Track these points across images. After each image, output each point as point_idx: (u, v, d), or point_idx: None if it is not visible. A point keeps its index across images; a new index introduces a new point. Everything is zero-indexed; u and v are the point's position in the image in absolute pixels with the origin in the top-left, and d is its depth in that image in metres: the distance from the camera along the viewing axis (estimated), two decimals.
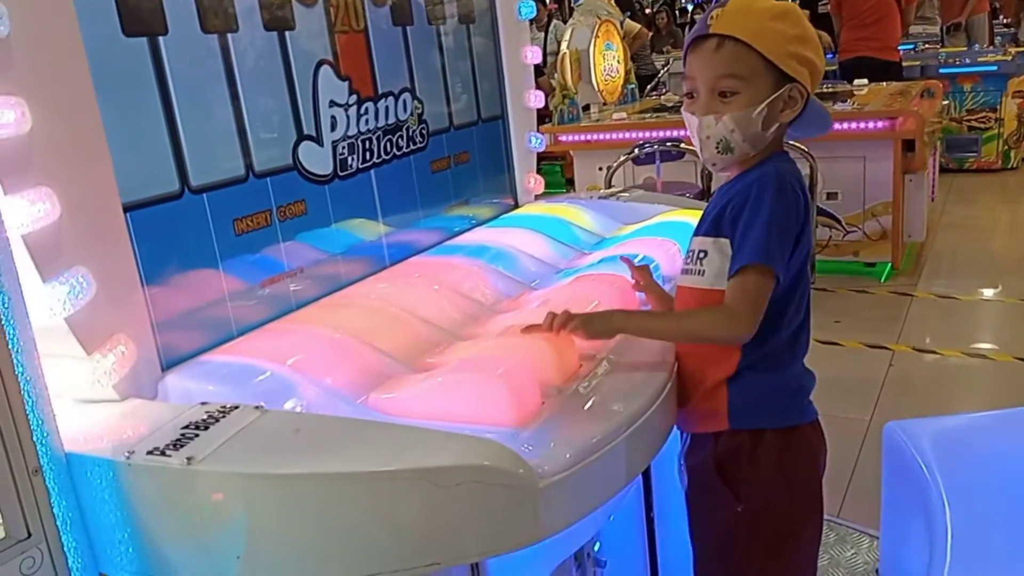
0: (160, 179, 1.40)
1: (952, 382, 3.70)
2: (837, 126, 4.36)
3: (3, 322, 1.02)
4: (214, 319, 1.49)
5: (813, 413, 1.45)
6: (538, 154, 2.54)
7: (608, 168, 4.47)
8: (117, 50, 1.33)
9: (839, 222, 4.80)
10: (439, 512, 1.05)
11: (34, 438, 1.06)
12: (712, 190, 4.30)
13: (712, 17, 1.35)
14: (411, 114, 1.98)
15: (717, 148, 1.37)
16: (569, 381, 1.34)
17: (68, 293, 1.18)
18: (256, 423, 1.16)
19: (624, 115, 5.47)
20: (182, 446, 1.11)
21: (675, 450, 1.47)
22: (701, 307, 1.37)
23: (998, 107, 7.03)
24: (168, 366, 1.38)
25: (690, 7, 14.01)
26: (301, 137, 1.67)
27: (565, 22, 7.07)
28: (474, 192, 2.27)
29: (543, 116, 4.75)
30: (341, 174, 1.77)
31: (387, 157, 1.91)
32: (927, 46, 7.99)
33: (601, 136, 5.26)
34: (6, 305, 1.02)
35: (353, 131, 1.81)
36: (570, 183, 5.83)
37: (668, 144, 4.33)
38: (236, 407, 1.20)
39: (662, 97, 6.33)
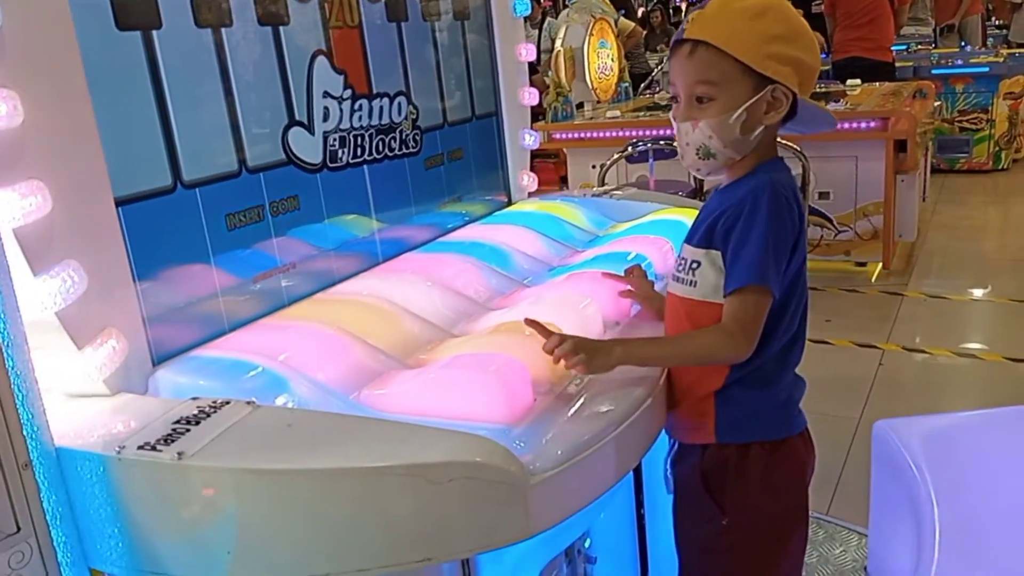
0: (152, 173, 1.40)
1: (941, 381, 3.72)
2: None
3: None
4: (206, 314, 1.49)
5: (801, 424, 1.44)
6: (532, 151, 2.54)
7: (601, 166, 4.47)
8: (110, 43, 1.32)
9: (831, 221, 4.81)
10: (431, 508, 1.05)
11: (24, 432, 1.06)
12: (705, 189, 4.31)
13: (688, 21, 1.32)
14: (405, 118, 1.98)
15: (698, 154, 1.35)
16: (561, 379, 1.34)
17: (59, 287, 1.17)
18: (248, 418, 1.16)
19: (618, 113, 5.47)
20: (173, 441, 1.11)
21: (664, 451, 1.47)
22: (699, 329, 1.34)
23: (989, 108, 7.06)
24: (159, 361, 1.38)
25: (684, 5, 14.02)
26: (292, 123, 1.67)
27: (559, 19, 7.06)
28: (467, 189, 2.27)
29: (536, 114, 4.75)
30: (331, 165, 1.77)
31: (379, 156, 1.91)
32: (920, 47, 8.02)
33: (595, 134, 5.27)
34: None
35: (346, 125, 1.80)
36: (563, 181, 5.82)
37: (661, 142, 4.33)
38: (227, 402, 1.19)
39: (656, 95, 6.34)
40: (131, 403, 1.27)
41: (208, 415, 1.16)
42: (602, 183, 4.37)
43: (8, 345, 1.03)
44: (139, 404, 1.27)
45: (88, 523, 1.14)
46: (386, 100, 1.92)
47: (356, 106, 1.83)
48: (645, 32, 9.28)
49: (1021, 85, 7.11)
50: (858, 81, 5.60)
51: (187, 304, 1.46)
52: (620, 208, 2.37)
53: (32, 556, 1.07)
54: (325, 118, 1.74)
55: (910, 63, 7.25)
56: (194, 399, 1.22)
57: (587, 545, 1.50)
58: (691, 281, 1.35)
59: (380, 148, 1.91)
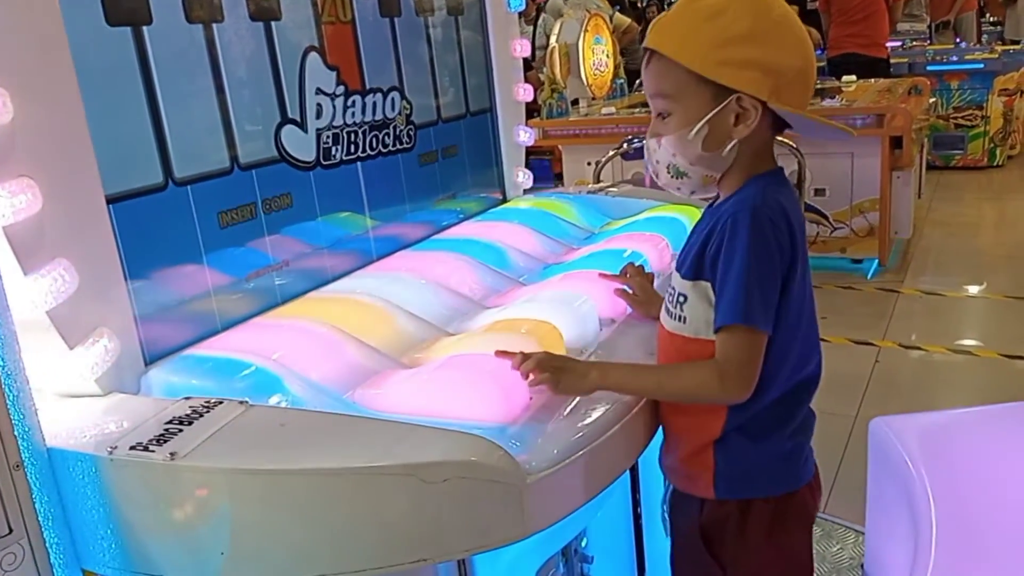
0: (144, 170, 1.38)
1: (937, 378, 3.72)
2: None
3: None
4: (198, 313, 1.48)
5: (809, 472, 1.32)
6: (527, 148, 2.53)
7: (597, 163, 4.47)
8: (100, 40, 1.31)
9: (826, 218, 4.81)
10: (426, 508, 1.05)
11: (15, 433, 1.05)
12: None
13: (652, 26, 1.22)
14: (399, 113, 1.97)
15: (669, 174, 1.24)
16: None
17: (50, 286, 1.16)
18: (241, 418, 1.15)
19: (613, 110, 5.46)
20: (165, 441, 1.10)
21: (661, 455, 1.44)
22: (687, 363, 1.23)
23: (984, 105, 7.07)
24: (151, 360, 1.37)
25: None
26: (284, 120, 1.65)
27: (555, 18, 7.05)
28: (462, 186, 2.26)
29: (531, 110, 4.74)
30: (324, 163, 1.75)
31: (372, 153, 1.90)
32: (915, 43, 8.03)
33: (590, 131, 5.26)
34: None
35: (339, 122, 1.79)
36: (558, 178, 5.82)
37: None
38: (220, 402, 1.18)
39: None
40: (123, 403, 1.26)
41: (201, 415, 1.15)
42: (597, 180, 4.36)
43: None
44: (131, 404, 1.26)
45: (81, 524, 1.13)
46: (379, 96, 1.91)
47: (349, 102, 1.81)
48: (641, 28, 9.27)
49: (1015, 82, 7.12)
50: (853, 77, 5.60)
51: (179, 303, 1.45)
52: (616, 205, 2.37)
53: (24, 558, 1.06)
54: (318, 115, 1.73)
55: (905, 59, 7.26)
56: (187, 399, 1.21)
57: (584, 544, 1.50)
58: (680, 316, 1.24)
59: (374, 144, 1.90)
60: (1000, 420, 1.87)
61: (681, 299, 1.24)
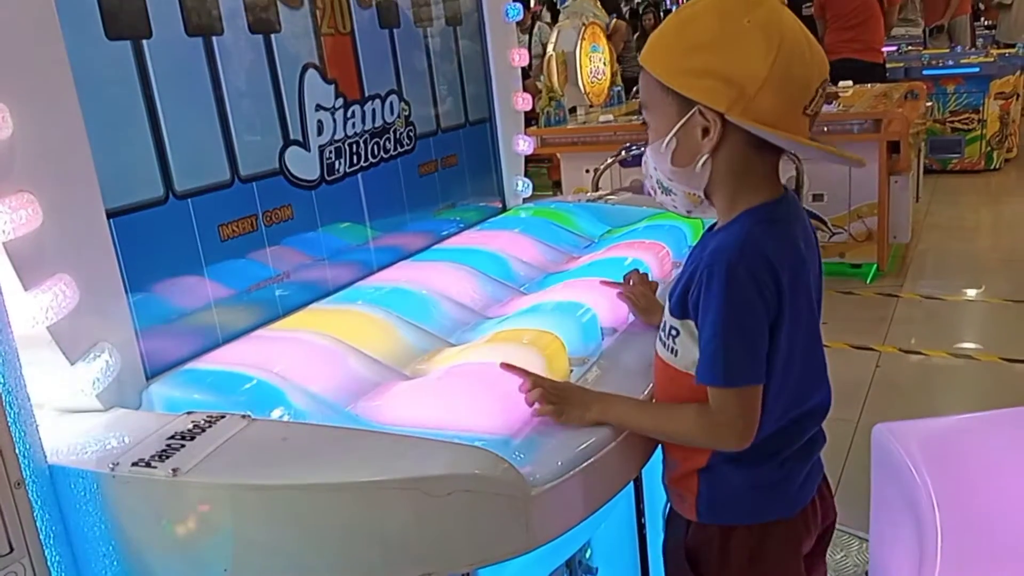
0: (144, 184, 1.38)
1: (938, 383, 3.72)
2: (823, 128, 4.38)
3: None
4: (199, 326, 1.48)
5: (802, 500, 1.26)
6: (525, 156, 2.53)
7: (595, 170, 4.47)
8: (100, 53, 1.31)
9: (825, 224, 4.82)
10: (430, 522, 1.04)
11: (16, 450, 1.04)
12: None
13: None
14: (398, 116, 1.97)
15: (659, 188, 1.21)
16: None
17: (50, 301, 1.16)
18: (243, 432, 1.14)
19: (611, 117, 5.47)
20: (168, 457, 1.09)
21: (662, 471, 1.43)
22: (690, 408, 1.17)
23: (981, 108, 7.09)
24: (153, 375, 1.36)
25: (675, 8, 14.05)
26: (288, 143, 1.66)
27: (550, 25, 7.07)
28: (462, 195, 2.26)
29: (529, 119, 4.74)
30: (328, 179, 1.76)
31: (374, 160, 1.90)
32: (910, 48, 8.05)
33: (588, 138, 5.26)
34: None
35: (340, 135, 1.79)
36: (557, 185, 5.82)
37: None
38: (222, 416, 1.18)
39: None
40: (125, 418, 1.25)
41: (203, 430, 1.15)
42: (596, 187, 4.36)
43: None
44: (133, 419, 1.25)
45: (82, 542, 1.12)
46: (378, 101, 1.91)
47: (349, 113, 1.81)
48: (637, 35, 9.29)
49: (1011, 85, 7.14)
50: (850, 83, 5.61)
51: (180, 316, 1.44)
52: (615, 213, 2.37)
53: None
54: (320, 132, 1.73)
55: (901, 64, 7.28)
56: (189, 413, 1.21)
57: (588, 556, 1.49)
58: (672, 348, 1.21)
59: (375, 152, 1.90)
60: (1003, 425, 1.86)
61: (673, 332, 1.21)
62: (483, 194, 2.38)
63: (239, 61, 1.56)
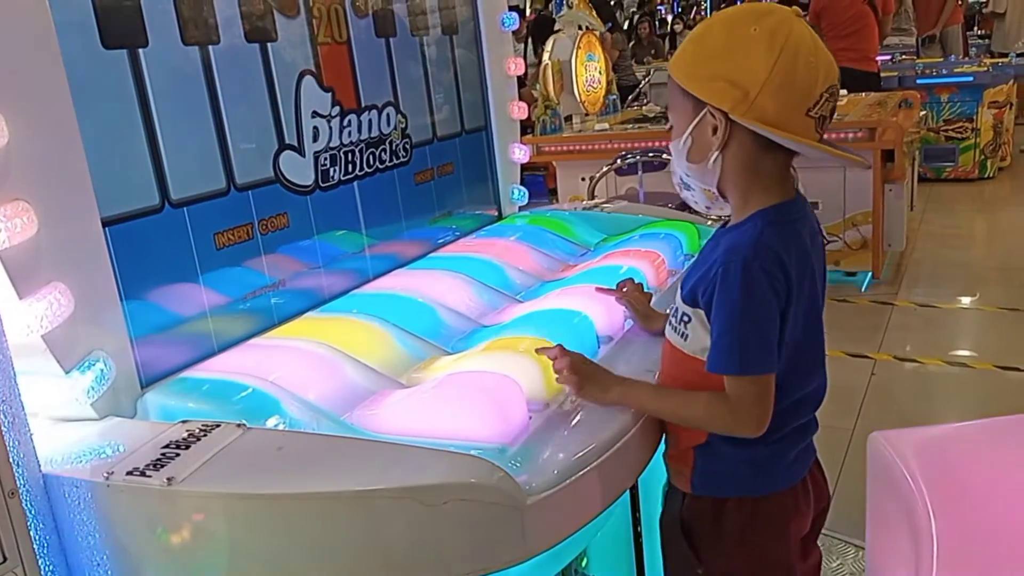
0: (140, 193, 1.38)
1: (933, 390, 3.72)
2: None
3: None
4: (195, 335, 1.47)
5: (792, 478, 1.33)
6: (521, 165, 2.54)
7: (591, 178, 4.48)
8: (96, 62, 1.31)
9: (820, 232, 4.82)
10: (426, 531, 1.04)
11: (10, 459, 1.04)
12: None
13: None
14: (394, 128, 1.97)
15: (680, 185, 1.31)
16: (556, 397, 1.33)
17: (45, 310, 1.16)
18: (238, 441, 1.14)
19: (606, 126, 5.48)
20: (162, 466, 1.09)
21: (662, 464, 1.45)
22: (706, 395, 1.24)
23: (974, 117, 7.11)
24: (148, 383, 1.36)
25: (670, 18, 14.11)
26: (282, 147, 1.66)
27: (535, 46, 7.09)
28: (458, 203, 2.26)
29: (525, 127, 4.75)
30: (323, 185, 1.76)
31: (370, 170, 1.90)
32: (904, 57, 8.09)
33: (583, 147, 5.27)
34: None
35: (335, 143, 1.79)
36: (552, 193, 5.83)
37: (650, 155, 4.34)
38: (217, 425, 1.18)
39: (643, 108, 6.35)
40: (119, 427, 1.25)
41: (198, 439, 1.15)
42: (592, 196, 4.37)
43: None
44: (127, 428, 1.25)
45: (76, 551, 1.12)
46: (375, 112, 1.91)
47: (345, 122, 1.82)
48: (632, 44, 9.33)
49: (1005, 94, 7.17)
50: (844, 91, 5.64)
51: (176, 325, 1.44)
52: (611, 221, 2.37)
53: None
54: (315, 138, 1.73)
55: (895, 73, 7.31)
56: (183, 422, 1.20)
57: (584, 564, 1.49)
58: (683, 333, 1.28)
59: (371, 162, 1.90)
60: (999, 433, 1.86)
61: (685, 319, 1.27)
62: (479, 202, 2.38)
63: (235, 70, 1.56)
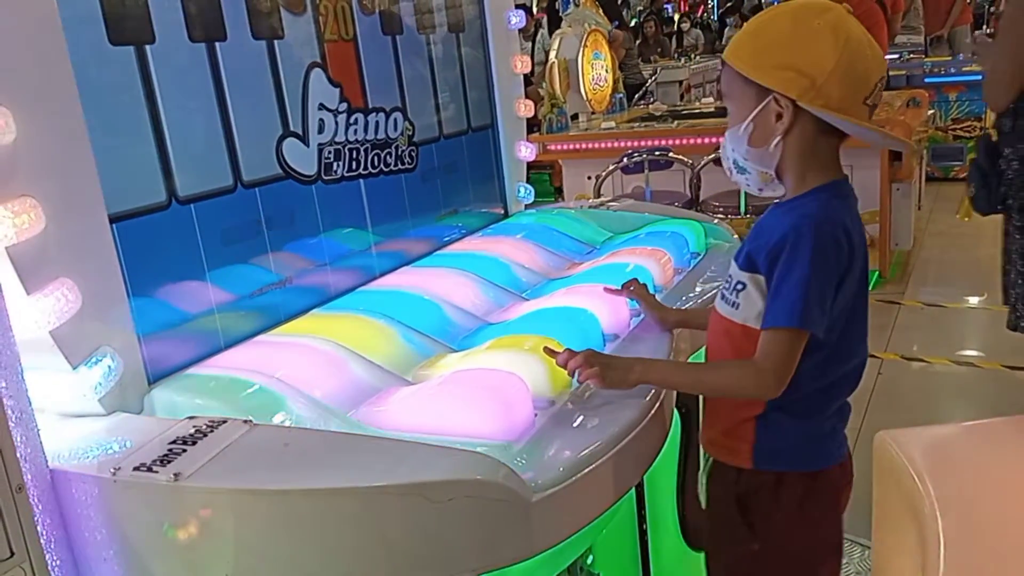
0: (147, 189, 1.39)
1: (940, 390, 3.71)
2: None
3: None
4: (202, 331, 1.48)
5: (841, 454, 1.41)
6: (527, 163, 2.54)
7: (597, 177, 4.48)
8: (103, 59, 1.31)
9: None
10: (431, 527, 1.04)
11: (17, 454, 1.04)
12: (701, 199, 4.31)
13: None
14: (401, 134, 1.97)
15: (735, 169, 1.35)
16: (562, 393, 1.33)
17: (53, 306, 1.16)
18: (245, 438, 1.14)
19: (612, 124, 5.48)
20: (169, 462, 1.09)
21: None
22: (728, 361, 1.34)
23: (983, 116, 7.08)
24: (155, 379, 1.36)
25: (676, 16, 14.09)
26: (286, 133, 1.65)
27: (550, 33, 7.09)
28: (464, 201, 2.26)
29: (531, 125, 4.75)
30: (326, 177, 1.75)
31: (374, 171, 1.90)
32: (912, 56, 8.05)
33: (590, 145, 5.27)
34: None
35: (341, 138, 1.79)
36: (559, 192, 5.82)
37: (656, 153, 4.34)
38: (224, 421, 1.18)
39: (650, 106, 6.35)
40: (126, 423, 1.25)
41: (205, 435, 1.15)
42: (598, 194, 4.37)
43: (1, 365, 1.02)
44: (135, 424, 1.25)
45: (83, 546, 1.12)
46: (382, 115, 1.91)
47: (352, 119, 1.82)
48: (639, 42, 9.31)
49: None
50: None
51: (183, 321, 1.44)
52: (617, 219, 2.37)
53: None
54: (320, 130, 1.73)
55: (903, 72, 7.26)
56: (190, 418, 1.20)
57: (590, 561, 1.49)
58: (734, 303, 1.32)
59: (376, 163, 1.90)
60: (1005, 433, 1.86)
61: (739, 286, 1.32)
62: (485, 200, 2.38)
63: (242, 67, 1.56)
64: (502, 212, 2.45)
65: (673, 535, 1.80)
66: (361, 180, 1.86)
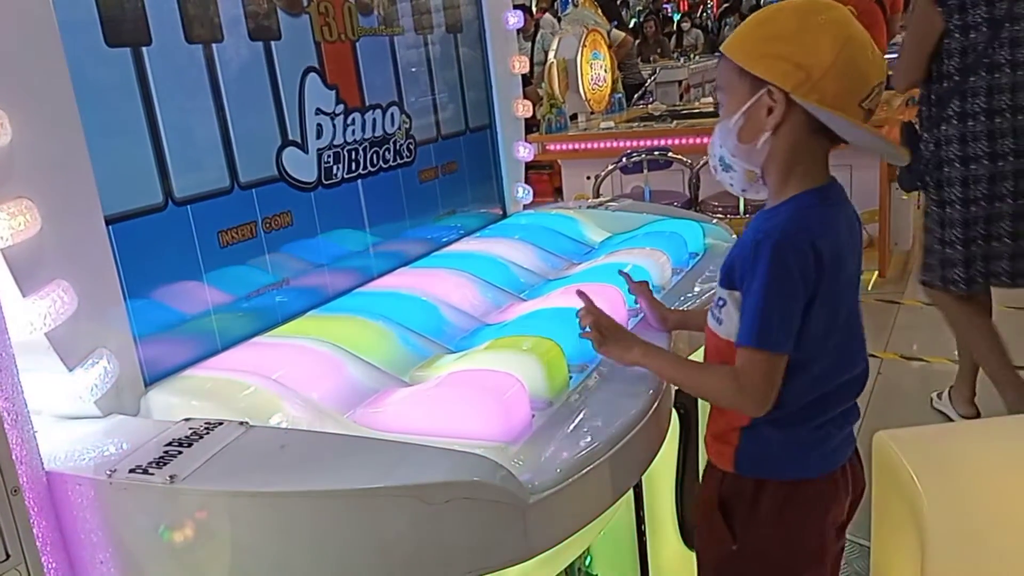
0: (143, 191, 1.38)
1: (940, 389, 3.70)
2: None
3: None
4: (198, 333, 1.47)
5: (830, 465, 1.37)
6: (526, 163, 2.53)
7: (596, 177, 4.48)
8: (100, 60, 1.31)
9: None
10: (428, 529, 1.04)
11: (13, 457, 1.04)
12: (700, 199, 4.31)
13: None
14: (399, 128, 1.97)
15: (720, 166, 1.34)
16: (559, 394, 1.33)
17: (49, 307, 1.16)
18: (241, 440, 1.14)
19: (611, 124, 5.48)
20: (165, 464, 1.09)
21: (666, 464, 1.46)
22: (720, 368, 1.31)
23: None
24: (151, 381, 1.36)
25: (676, 16, 14.09)
26: (285, 143, 1.65)
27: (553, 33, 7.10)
28: (462, 202, 2.26)
29: (530, 125, 4.75)
30: (326, 182, 1.75)
31: (373, 169, 1.90)
32: None
33: (589, 145, 5.27)
34: None
35: (339, 140, 1.79)
36: (558, 192, 5.82)
37: (656, 153, 4.34)
38: (220, 423, 1.17)
39: (649, 106, 6.35)
40: (122, 425, 1.25)
41: (201, 437, 1.15)
42: (597, 194, 4.37)
43: None
44: (131, 426, 1.25)
45: (79, 549, 1.12)
46: (379, 112, 1.91)
47: (349, 120, 1.81)
48: (638, 42, 9.31)
49: None
50: None
51: (179, 323, 1.44)
52: (616, 219, 2.37)
53: None
54: (319, 135, 1.73)
55: None
56: (187, 420, 1.20)
57: (588, 563, 1.49)
58: (718, 318, 1.32)
59: (375, 161, 1.90)
60: (1003, 432, 1.86)
61: (721, 303, 1.31)
62: (483, 201, 2.38)
63: (239, 68, 1.56)
64: (500, 212, 2.45)
65: (672, 536, 1.80)
66: (360, 181, 1.85)
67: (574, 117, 5.74)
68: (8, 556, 1.03)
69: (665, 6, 14.52)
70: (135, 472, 1.08)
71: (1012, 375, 2.93)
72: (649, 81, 7.87)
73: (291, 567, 1.06)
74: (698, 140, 4.83)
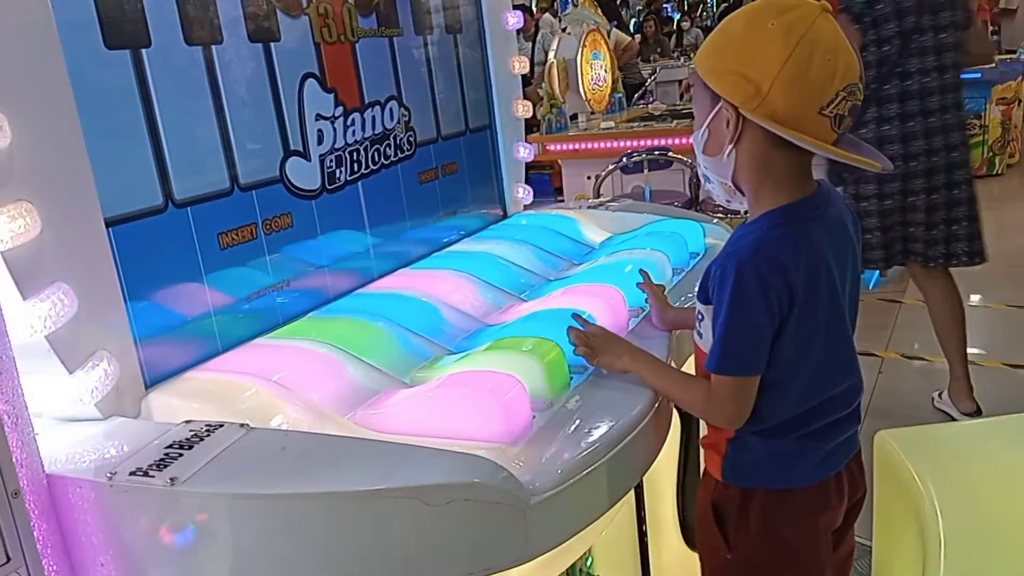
0: (143, 193, 1.38)
1: (941, 388, 3.70)
2: None
3: None
4: (199, 335, 1.47)
5: (820, 474, 1.34)
6: (526, 163, 2.53)
7: (596, 177, 4.47)
8: (99, 62, 1.31)
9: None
10: (429, 531, 1.03)
11: (14, 459, 1.04)
12: (701, 199, 4.31)
13: None
14: (398, 122, 1.97)
15: (703, 177, 1.33)
16: (560, 396, 1.32)
17: (49, 310, 1.15)
18: (241, 442, 1.14)
19: (612, 124, 5.48)
20: (166, 466, 1.09)
21: (667, 464, 1.46)
22: (695, 381, 1.34)
23: (983, 114, 7.07)
24: (152, 383, 1.36)
25: (676, 16, 14.09)
26: (288, 153, 1.65)
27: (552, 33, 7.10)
28: (462, 203, 2.25)
29: (530, 126, 4.75)
30: (329, 187, 1.75)
31: (375, 167, 1.89)
32: None
33: (589, 145, 5.27)
34: None
35: (340, 143, 1.79)
36: (558, 192, 5.82)
37: (656, 153, 4.34)
38: (221, 425, 1.17)
39: (650, 106, 6.34)
40: (123, 427, 1.25)
41: (201, 439, 1.14)
42: (597, 194, 4.37)
43: None
44: (131, 428, 1.24)
45: (79, 552, 1.12)
46: (377, 108, 1.90)
47: (349, 121, 1.81)
48: (640, 43, 9.30)
49: (1013, 91, 7.13)
50: None
51: (180, 325, 1.44)
52: (616, 219, 2.36)
53: None
54: (320, 141, 1.73)
55: None
56: (187, 422, 1.20)
57: (589, 564, 1.48)
58: (699, 331, 1.33)
59: (376, 159, 1.90)
60: (1006, 431, 1.86)
61: (699, 316, 1.32)
62: (484, 201, 2.37)
63: (239, 70, 1.55)
64: (501, 213, 2.45)
65: (674, 537, 1.80)
66: (360, 183, 1.85)
67: (574, 117, 5.74)
68: (8, 559, 1.03)
69: (665, 6, 14.51)
70: (136, 474, 1.08)
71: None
72: (649, 81, 7.87)
73: (292, 569, 1.06)
74: None
